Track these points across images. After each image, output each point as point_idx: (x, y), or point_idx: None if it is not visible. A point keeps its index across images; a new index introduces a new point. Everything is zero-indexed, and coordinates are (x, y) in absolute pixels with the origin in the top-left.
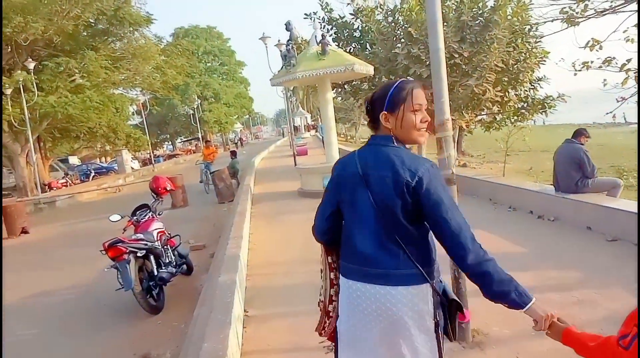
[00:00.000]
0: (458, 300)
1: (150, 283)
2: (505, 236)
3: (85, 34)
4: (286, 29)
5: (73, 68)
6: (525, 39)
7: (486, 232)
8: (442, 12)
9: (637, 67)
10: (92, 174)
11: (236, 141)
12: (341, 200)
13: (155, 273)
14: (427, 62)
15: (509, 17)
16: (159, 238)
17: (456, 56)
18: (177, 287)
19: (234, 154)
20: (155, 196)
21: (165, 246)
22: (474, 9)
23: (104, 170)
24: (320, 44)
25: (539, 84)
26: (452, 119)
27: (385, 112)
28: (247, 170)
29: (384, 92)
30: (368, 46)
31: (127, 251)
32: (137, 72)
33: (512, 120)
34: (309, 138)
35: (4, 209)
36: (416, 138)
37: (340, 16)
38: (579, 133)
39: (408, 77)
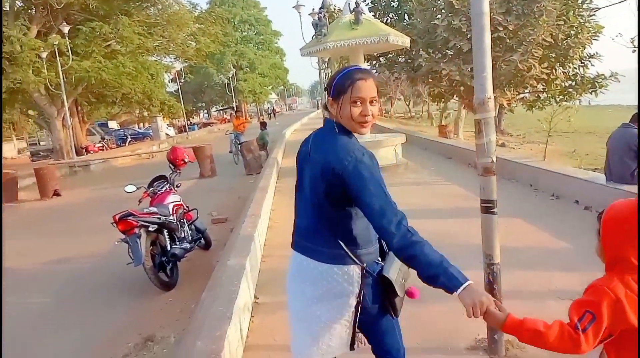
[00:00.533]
0: (389, 278)
1: (163, 259)
2: (547, 228)
3: None
4: None
5: (107, 33)
6: (578, 11)
7: (525, 222)
8: None
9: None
10: (129, 139)
11: (269, 112)
12: (298, 177)
13: (169, 248)
14: (469, 35)
15: None
16: (174, 212)
17: (500, 28)
18: (193, 262)
19: (263, 125)
20: (173, 167)
21: (181, 220)
22: None
23: (140, 136)
24: (353, 13)
25: (590, 61)
26: (493, 97)
27: (330, 99)
28: (277, 142)
29: (332, 79)
30: (406, 17)
31: (138, 225)
32: (171, 39)
33: (557, 99)
34: None
35: (36, 172)
36: (354, 129)
37: None
38: (638, 117)
39: (447, 52)
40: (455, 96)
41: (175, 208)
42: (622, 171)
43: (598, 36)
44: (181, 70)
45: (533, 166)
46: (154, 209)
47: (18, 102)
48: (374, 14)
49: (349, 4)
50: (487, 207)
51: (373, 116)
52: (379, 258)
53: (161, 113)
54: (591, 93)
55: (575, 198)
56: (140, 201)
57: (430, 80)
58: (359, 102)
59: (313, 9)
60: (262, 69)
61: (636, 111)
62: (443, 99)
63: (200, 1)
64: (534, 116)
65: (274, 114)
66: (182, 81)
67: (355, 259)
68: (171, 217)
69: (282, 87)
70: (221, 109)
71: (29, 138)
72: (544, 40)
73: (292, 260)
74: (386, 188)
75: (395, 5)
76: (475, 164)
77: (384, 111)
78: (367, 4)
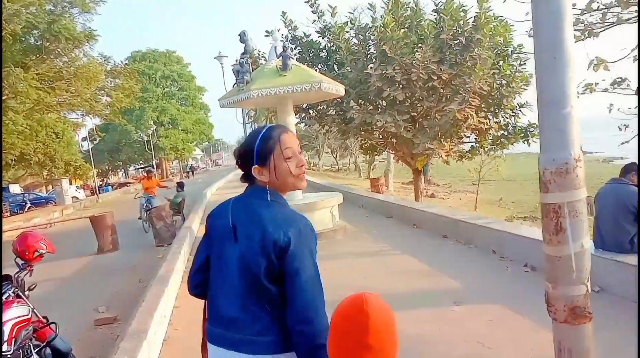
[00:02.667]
0: None
1: None
2: (532, 315)
3: (15, 49)
4: (240, 40)
5: None
6: (509, 60)
7: (503, 307)
8: (420, 31)
9: (638, 81)
10: (28, 205)
11: (187, 170)
12: (211, 253)
13: None
14: (402, 84)
15: (491, 36)
16: (13, 335)
17: (434, 78)
18: None
19: (180, 186)
20: (22, 263)
21: (26, 346)
22: (454, 27)
23: (43, 201)
24: (280, 58)
25: (520, 110)
26: (430, 148)
27: (257, 166)
28: (196, 204)
29: (250, 146)
30: (336, 67)
31: None
32: (77, 94)
33: (486, 149)
34: None
35: None
36: (295, 184)
37: (305, 34)
38: (633, 169)
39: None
40: (388, 148)
41: (16, 328)
42: (619, 238)
43: (528, 86)
44: (93, 128)
45: (495, 228)
46: None
47: None
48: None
49: (275, 48)
50: None
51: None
52: None
53: (66, 175)
54: (524, 142)
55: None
56: None
57: (362, 132)
58: (291, 156)
59: (236, 60)
60: (185, 124)
61: (624, 164)
62: (375, 152)
63: (119, 56)
64: (456, 165)
65: (192, 172)
66: (94, 139)
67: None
68: (5, 346)
69: (207, 142)
70: (140, 168)
71: None
72: (481, 89)
73: (210, 355)
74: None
75: (325, 56)
76: (419, 224)
77: (311, 164)
78: (295, 55)
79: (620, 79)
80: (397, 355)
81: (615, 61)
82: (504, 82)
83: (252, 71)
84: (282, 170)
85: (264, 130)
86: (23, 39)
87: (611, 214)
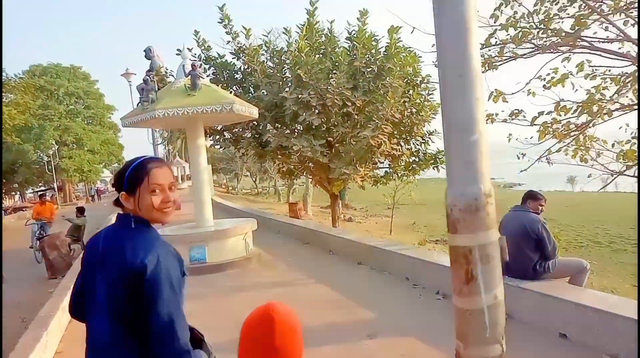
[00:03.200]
0: None
1: None
2: (444, 347)
3: None
4: (146, 56)
5: None
6: (418, 90)
7: (416, 339)
8: (334, 58)
9: (638, 82)
10: None
11: (92, 194)
12: (85, 280)
13: None
14: (318, 110)
15: (401, 66)
16: None
17: (349, 104)
18: None
19: (80, 211)
20: None
21: None
22: (367, 55)
23: None
24: (189, 77)
25: (430, 138)
26: (346, 173)
27: (124, 193)
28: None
29: (122, 172)
30: (252, 89)
31: None
32: None
33: (399, 174)
34: (185, 189)
35: None
36: (158, 218)
37: (219, 55)
38: (532, 197)
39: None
40: (305, 172)
41: None
42: (523, 264)
43: (436, 114)
44: None
45: (410, 256)
46: None
47: None
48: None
49: (184, 66)
50: None
51: (174, 202)
52: None
53: None
54: (434, 168)
55: None
56: None
57: (279, 156)
58: (157, 191)
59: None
60: (92, 145)
61: (524, 193)
62: (293, 176)
63: (15, 69)
64: (372, 189)
65: (98, 196)
66: None
67: None
68: None
69: (116, 164)
70: (39, 191)
71: None
72: (393, 117)
73: None
74: (182, 301)
75: (240, 78)
76: (335, 250)
77: (230, 188)
78: (209, 76)
79: (517, 111)
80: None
81: (512, 93)
82: (414, 110)
83: (159, 89)
84: (145, 202)
85: (139, 160)
86: None
87: (515, 241)
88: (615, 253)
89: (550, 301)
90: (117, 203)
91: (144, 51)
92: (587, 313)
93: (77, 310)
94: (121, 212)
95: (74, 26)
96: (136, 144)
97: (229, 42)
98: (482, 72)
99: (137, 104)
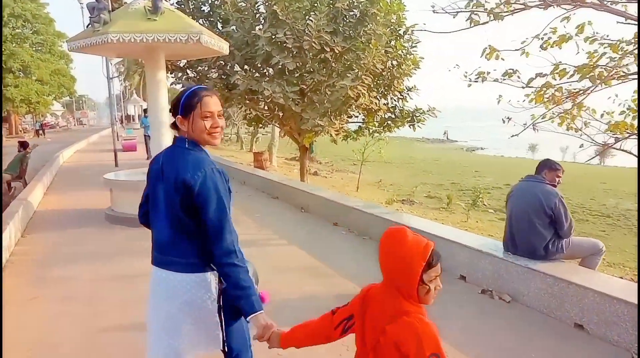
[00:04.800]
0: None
1: None
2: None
3: None
4: None
5: None
6: (402, 41)
7: None
8: None
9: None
10: None
11: (37, 128)
12: (149, 191)
13: None
14: (293, 53)
15: (386, 12)
16: None
17: (327, 49)
18: None
19: (23, 145)
20: None
21: None
22: None
23: None
24: None
25: (408, 94)
26: (320, 125)
27: (180, 117)
28: (44, 169)
29: (178, 98)
30: (219, 25)
31: None
32: None
33: (371, 130)
34: (141, 130)
35: None
36: (208, 140)
37: None
38: (549, 166)
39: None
40: (274, 121)
41: None
42: (534, 243)
43: (417, 69)
44: None
45: (391, 220)
46: None
47: None
48: None
49: None
50: None
51: (221, 128)
52: None
53: None
54: (410, 126)
55: (460, 273)
56: None
57: (247, 101)
58: (208, 116)
59: None
60: (40, 74)
61: (541, 160)
62: (260, 124)
63: None
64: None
65: (43, 131)
66: None
67: (211, 266)
68: None
69: (68, 97)
70: None
71: None
72: (374, 67)
73: (151, 275)
74: (230, 206)
75: (207, 10)
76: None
77: None
78: (172, 4)
79: (512, 71)
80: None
81: (512, 51)
82: (395, 63)
83: (113, 10)
84: (198, 126)
85: (193, 89)
86: None
87: (526, 215)
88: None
89: (565, 287)
90: (174, 125)
91: None
92: (612, 304)
93: (141, 216)
94: (177, 134)
95: None
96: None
97: None
98: (485, 22)
99: (87, 26)
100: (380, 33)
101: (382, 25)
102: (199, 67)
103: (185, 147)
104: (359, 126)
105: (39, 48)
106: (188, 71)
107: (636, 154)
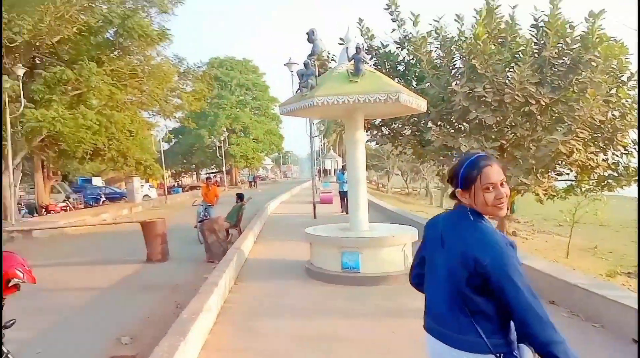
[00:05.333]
0: None
1: None
2: None
3: (89, 43)
4: (308, 39)
5: (71, 80)
6: (626, 88)
7: None
8: (514, 48)
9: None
10: (103, 199)
11: (250, 180)
12: (425, 255)
13: None
14: (494, 106)
15: (605, 58)
16: None
17: (532, 102)
18: None
19: (240, 197)
20: None
21: None
22: (559, 45)
23: (117, 196)
24: (352, 61)
25: (635, 148)
26: (525, 183)
27: (460, 190)
28: (255, 219)
29: (457, 171)
30: (414, 82)
31: None
32: (149, 93)
33: (584, 189)
34: (336, 184)
35: None
36: (492, 213)
37: (382, 44)
38: None
39: (465, 124)
40: None
41: None
42: None
43: None
44: (165, 131)
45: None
46: None
47: None
48: None
49: (347, 49)
50: None
51: (506, 196)
52: (517, 349)
53: (137, 173)
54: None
55: None
56: None
57: (441, 157)
58: (491, 188)
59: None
60: (256, 134)
61: None
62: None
63: (192, 58)
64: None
65: (256, 182)
66: (170, 141)
67: (491, 348)
68: None
69: (276, 153)
70: (210, 173)
71: None
72: (592, 119)
73: (427, 342)
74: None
75: (402, 69)
76: None
77: (380, 185)
78: (370, 66)
79: None
80: None
81: None
82: (617, 113)
83: (319, 75)
84: (480, 200)
85: (471, 159)
86: (98, 33)
87: None
88: None
89: None
90: (453, 196)
91: (307, 33)
92: None
93: (415, 278)
94: (457, 203)
95: (250, 21)
96: (294, 133)
97: (394, 30)
98: None
99: (296, 92)
100: (599, 81)
101: (601, 72)
102: (393, 125)
103: (469, 219)
104: (571, 184)
105: (256, 111)
106: (383, 129)
107: None
